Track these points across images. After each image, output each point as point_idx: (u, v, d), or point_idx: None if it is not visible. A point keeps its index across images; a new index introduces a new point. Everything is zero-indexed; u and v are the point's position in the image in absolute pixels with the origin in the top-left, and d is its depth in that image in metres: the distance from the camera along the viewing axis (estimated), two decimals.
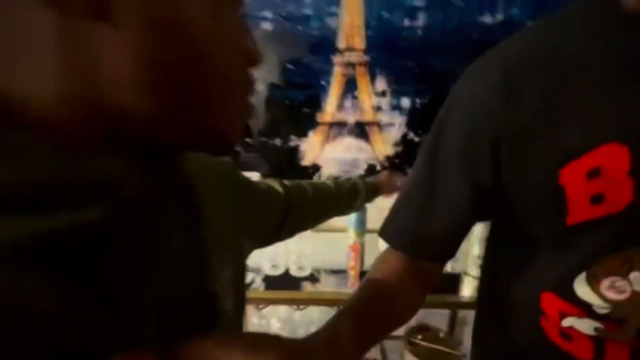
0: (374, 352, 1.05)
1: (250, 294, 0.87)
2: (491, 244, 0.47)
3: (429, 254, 0.40)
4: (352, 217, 0.97)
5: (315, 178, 1.11)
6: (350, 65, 1.00)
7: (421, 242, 0.39)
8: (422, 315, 1.23)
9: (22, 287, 0.15)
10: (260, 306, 0.99)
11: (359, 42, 0.97)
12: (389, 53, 0.98)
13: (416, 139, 1.06)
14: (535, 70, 0.31)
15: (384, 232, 0.43)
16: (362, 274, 0.94)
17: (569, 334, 0.36)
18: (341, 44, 0.98)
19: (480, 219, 0.43)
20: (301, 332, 1.14)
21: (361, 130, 1.05)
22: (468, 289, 0.82)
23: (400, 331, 1.04)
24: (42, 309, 0.16)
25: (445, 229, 0.39)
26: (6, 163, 0.15)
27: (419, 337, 1.02)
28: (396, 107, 1.02)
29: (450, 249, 0.41)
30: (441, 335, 1.02)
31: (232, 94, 0.21)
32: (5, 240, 0.15)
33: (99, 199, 0.17)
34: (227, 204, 0.32)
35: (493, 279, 0.45)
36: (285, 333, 1.13)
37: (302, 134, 1.07)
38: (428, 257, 0.41)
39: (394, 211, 0.43)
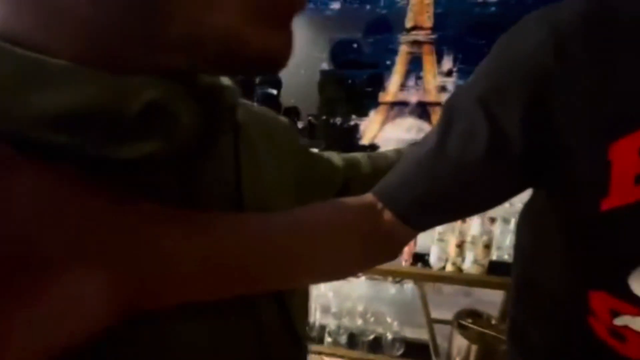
0: (423, 334, 1.07)
1: None
2: (525, 229, 0.41)
3: (415, 213, 0.34)
4: None
5: None
6: (417, 44, 0.98)
7: (415, 201, 0.34)
8: (473, 303, 1.22)
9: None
10: None
11: (427, 20, 0.95)
12: (458, 31, 0.95)
13: None
14: (591, 32, 0.28)
15: (376, 187, 0.37)
16: (415, 255, 0.96)
17: (623, 333, 0.33)
18: (409, 22, 0.97)
19: (490, 194, 0.36)
20: (348, 305, 1.20)
21: (423, 111, 1.04)
22: None
23: (450, 315, 1.04)
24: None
25: (446, 191, 0.33)
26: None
27: (469, 320, 1.02)
28: None
29: (440, 216, 0.35)
30: (492, 321, 1.01)
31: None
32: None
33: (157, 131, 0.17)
34: (286, 165, 0.30)
35: (528, 268, 0.40)
36: (336, 303, 1.19)
37: (363, 113, 1.09)
38: (410, 216, 0.34)
39: (397, 167, 0.37)
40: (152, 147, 0.16)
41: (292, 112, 1.14)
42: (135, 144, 0.16)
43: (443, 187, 0.33)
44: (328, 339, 1.12)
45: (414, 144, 0.36)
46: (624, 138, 0.27)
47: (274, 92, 1.16)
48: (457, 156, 0.32)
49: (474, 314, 1.04)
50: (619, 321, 0.31)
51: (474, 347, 0.95)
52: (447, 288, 1.25)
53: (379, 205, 0.34)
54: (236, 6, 0.15)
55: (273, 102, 1.17)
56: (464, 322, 1.01)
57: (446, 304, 1.12)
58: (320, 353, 1.08)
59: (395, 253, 0.37)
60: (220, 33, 0.16)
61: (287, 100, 1.17)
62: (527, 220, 0.40)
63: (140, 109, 0.15)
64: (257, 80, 1.14)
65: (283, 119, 0.34)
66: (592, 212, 0.29)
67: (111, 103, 0.15)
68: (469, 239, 0.88)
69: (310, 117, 1.13)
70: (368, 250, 0.34)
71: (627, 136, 0.27)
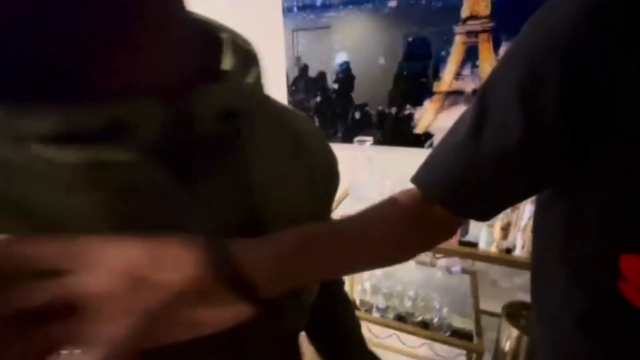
0: (468, 324, 1.07)
1: None
2: (545, 197, 0.40)
3: (464, 203, 0.35)
4: None
5: (427, 145, 1.17)
6: (473, 33, 1.00)
7: (458, 190, 0.35)
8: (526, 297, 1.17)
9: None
10: None
11: (484, 8, 0.96)
12: (516, 17, 0.94)
13: None
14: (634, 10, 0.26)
15: (417, 178, 0.39)
16: (464, 243, 0.97)
17: None
18: (464, 12, 0.99)
19: (528, 182, 0.35)
20: (399, 289, 1.25)
21: None
22: None
23: (495, 306, 1.03)
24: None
25: (484, 180, 0.34)
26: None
27: (522, 312, 1.00)
28: None
29: (484, 203, 0.36)
30: None
31: None
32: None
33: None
34: (301, 161, 0.31)
35: (550, 234, 0.40)
36: (387, 285, 1.25)
37: (418, 103, 1.13)
38: (464, 207, 0.36)
39: (433, 155, 0.39)
40: (120, 152, 0.19)
41: (361, 107, 1.25)
42: (109, 150, 0.19)
43: (481, 175, 0.33)
44: (376, 314, 1.20)
45: (450, 131, 0.38)
46: None
47: (332, 87, 1.27)
48: (493, 146, 0.32)
49: (526, 306, 1.01)
50: None
51: (524, 338, 0.93)
52: (502, 282, 1.22)
53: (422, 194, 0.37)
54: None
55: (342, 98, 1.28)
56: (512, 312, 0.99)
57: (499, 298, 1.10)
58: (368, 320, 1.16)
59: (446, 237, 0.40)
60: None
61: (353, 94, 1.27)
62: (558, 198, 0.39)
63: (105, 125, 0.18)
64: (334, 77, 1.26)
65: (304, 116, 0.37)
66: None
67: (82, 124, 0.18)
68: (522, 223, 0.87)
69: (367, 108, 1.22)
70: (420, 236, 0.38)
71: None
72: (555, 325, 0.41)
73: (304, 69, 1.28)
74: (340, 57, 1.21)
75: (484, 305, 1.13)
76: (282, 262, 0.25)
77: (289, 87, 1.35)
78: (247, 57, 0.26)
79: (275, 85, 1.38)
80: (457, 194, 0.35)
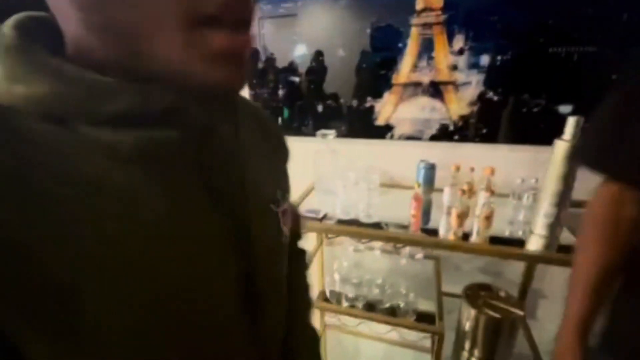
0: (433, 307, 1.12)
1: (323, 226, 1.03)
2: None
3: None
4: (421, 173, 1.03)
5: (388, 137, 1.18)
6: (428, 25, 1.01)
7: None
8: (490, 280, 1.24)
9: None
10: (330, 236, 1.16)
11: (437, 1, 0.97)
12: (468, 8, 0.96)
13: (494, 98, 1.03)
14: None
15: (600, 162, 0.47)
16: (426, 230, 1.01)
17: None
18: (419, 4, 1.00)
19: None
20: (367, 277, 1.28)
21: (436, 90, 1.07)
22: (534, 247, 0.82)
23: (459, 289, 1.08)
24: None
25: None
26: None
27: (480, 293, 1.05)
28: (474, 65, 1.00)
29: None
30: (501, 294, 1.04)
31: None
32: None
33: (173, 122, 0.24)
34: (275, 156, 0.40)
35: None
36: (352, 273, 1.28)
37: (378, 95, 1.14)
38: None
39: (607, 140, 0.47)
40: (170, 133, 0.24)
41: (333, 97, 1.24)
42: (160, 130, 0.23)
43: None
44: (346, 304, 1.23)
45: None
46: None
47: (296, 79, 1.26)
48: None
49: (484, 287, 1.07)
50: None
51: (482, 317, 0.99)
52: (463, 266, 1.28)
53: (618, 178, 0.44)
54: (180, 46, 0.21)
55: (296, 90, 1.27)
56: (472, 294, 1.05)
57: (461, 280, 1.16)
58: (339, 312, 1.19)
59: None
60: (167, 69, 0.22)
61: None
62: None
63: (163, 108, 0.23)
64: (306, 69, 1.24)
65: (268, 115, 0.43)
66: None
67: (142, 107, 0.22)
68: (477, 211, 0.91)
69: (329, 101, 1.21)
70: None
71: None
72: None
73: (270, 59, 1.25)
74: (300, 49, 1.19)
75: (447, 288, 1.18)
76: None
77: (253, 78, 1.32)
78: None
79: None
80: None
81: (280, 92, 1.28)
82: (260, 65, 1.26)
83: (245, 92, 1.34)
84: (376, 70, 1.11)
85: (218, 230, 0.28)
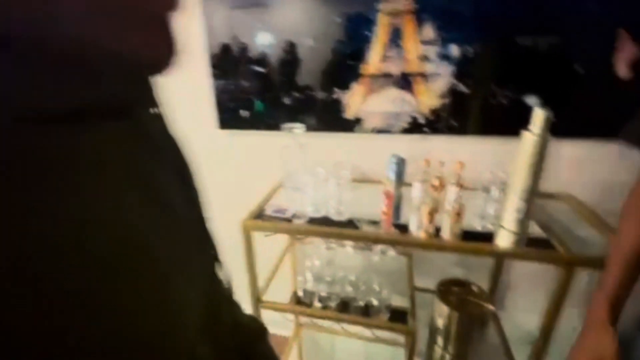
0: (404, 302, 1.11)
1: (292, 227, 0.98)
2: None
3: None
4: (391, 168, 1.00)
5: (357, 130, 1.14)
6: (396, 13, 0.97)
7: None
8: (463, 274, 1.24)
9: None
10: (298, 236, 1.11)
11: None
12: None
13: (464, 90, 1.00)
14: None
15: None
16: (397, 225, 0.98)
17: None
18: None
19: None
20: (340, 275, 1.25)
21: (406, 82, 1.04)
22: (504, 242, 0.81)
23: (432, 284, 1.07)
24: None
25: None
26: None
27: (452, 288, 1.04)
28: (444, 56, 0.98)
29: None
30: (474, 288, 1.03)
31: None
32: None
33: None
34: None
35: None
36: (325, 271, 1.24)
37: (345, 86, 1.09)
38: None
39: None
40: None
41: (301, 90, 1.17)
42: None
43: None
44: (318, 304, 1.19)
45: None
46: None
47: (262, 70, 1.19)
48: None
49: (457, 283, 1.06)
50: None
51: (454, 313, 0.98)
52: (436, 259, 1.27)
53: None
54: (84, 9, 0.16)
55: (261, 79, 1.20)
56: (445, 290, 1.03)
57: (434, 275, 1.15)
58: (312, 315, 1.15)
59: None
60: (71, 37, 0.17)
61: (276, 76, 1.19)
62: None
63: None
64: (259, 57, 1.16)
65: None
66: None
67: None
68: (447, 206, 0.89)
69: (297, 93, 1.15)
70: None
71: None
72: None
73: (242, 49, 1.16)
74: (266, 38, 1.12)
75: (420, 282, 1.17)
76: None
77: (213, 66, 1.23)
78: None
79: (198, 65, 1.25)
80: None
81: (252, 84, 1.20)
82: (232, 55, 1.18)
83: (210, 83, 1.26)
84: (345, 60, 1.06)
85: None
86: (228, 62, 1.20)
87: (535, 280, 1.21)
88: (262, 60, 1.16)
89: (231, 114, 1.27)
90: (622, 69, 0.88)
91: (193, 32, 1.20)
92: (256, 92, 1.21)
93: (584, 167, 1.02)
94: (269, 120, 1.23)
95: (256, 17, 1.11)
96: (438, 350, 1.05)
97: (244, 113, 1.25)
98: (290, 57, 1.12)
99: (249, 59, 1.17)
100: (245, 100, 1.23)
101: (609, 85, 0.90)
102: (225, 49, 1.18)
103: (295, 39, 1.10)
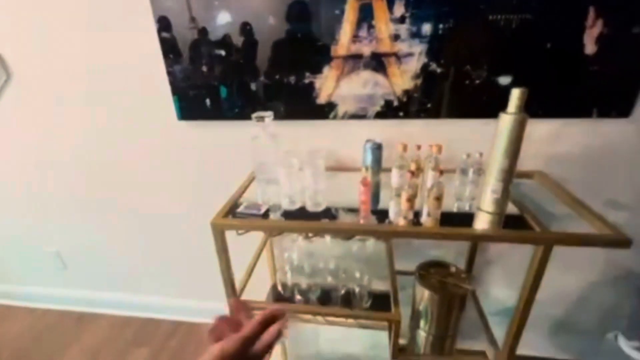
0: (385, 286, 1.11)
1: (267, 224, 0.93)
2: None
3: None
4: (368, 154, 0.96)
5: (331, 117, 1.09)
6: None
7: None
8: (442, 254, 1.25)
9: None
10: (274, 233, 1.07)
11: None
12: None
13: (438, 70, 0.98)
14: None
15: None
16: (377, 212, 0.96)
17: None
18: None
19: None
20: (320, 265, 1.23)
21: (378, 63, 0.99)
22: (482, 224, 0.81)
23: (412, 266, 1.08)
24: None
25: None
26: None
27: (431, 271, 1.05)
28: (416, 35, 0.94)
29: None
30: (452, 269, 1.04)
31: None
32: None
33: None
34: None
35: None
36: (304, 263, 1.21)
37: (317, 69, 1.03)
38: None
39: None
40: None
41: (267, 74, 1.09)
42: None
43: None
44: (299, 296, 1.16)
45: None
46: None
47: (222, 53, 1.09)
48: None
49: (436, 264, 1.07)
50: None
51: (435, 296, 0.98)
52: (414, 241, 1.28)
53: None
54: None
55: (225, 63, 1.11)
56: (424, 273, 1.04)
57: (414, 256, 1.15)
58: (290, 311, 1.13)
59: None
60: None
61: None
62: None
63: None
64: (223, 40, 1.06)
65: None
66: None
67: None
68: (425, 192, 0.88)
69: (262, 78, 1.07)
70: None
71: None
72: None
73: (202, 31, 1.05)
74: (229, 19, 1.02)
75: (400, 265, 1.17)
76: None
77: (167, 53, 1.12)
78: None
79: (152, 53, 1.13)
80: None
81: (213, 70, 1.10)
82: (188, 38, 1.07)
83: (164, 70, 1.15)
84: (313, 41, 0.99)
85: None
86: (184, 45, 1.09)
87: (511, 256, 1.25)
88: (222, 42, 1.06)
89: (191, 103, 1.17)
90: (590, 46, 0.89)
91: (140, 9, 1.07)
92: (218, 78, 1.12)
93: (557, 145, 1.04)
94: (235, 109, 1.15)
95: None
96: (420, 332, 1.06)
97: (206, 102, 1.16)
98: (253, 39, 1.04)
99: (208, 41, 1.07)
100: (207, 88, 1.13)
101: (578, 62, 0.91)
102: (180, 30, 1.07)
103: (257, 19, 1.01)
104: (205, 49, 1.08)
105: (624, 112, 0.96)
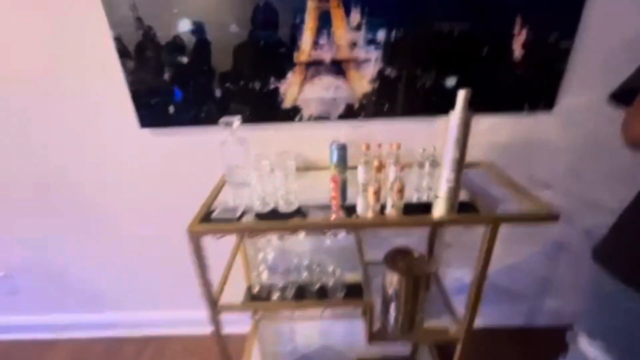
0: (357, 276, 1.18)
1: (242, 226, 0.96)
2: None
3: None
4: (334, 154, 1.03)
5: (297, 119, 1.14)
6: None
7: None
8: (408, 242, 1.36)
9: None
10: (251, 234, 1.09)
11: None
12: None
13: (392, 74, 1.07)
14: None
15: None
16: (345, 207, 1.02)
17: None
18: None
19: None
20: (295, 262, 1.27)
21: (338, 68, 1.06)
22: (439, 211, 0.91)
23: (380, 255, 1.16)
24: None
25: None
26: None
27: (398, 257, 1.14)
28: (371, 42, 1.02)
29: None
30: (416, 255, 1.15)
31: None
32: None
33: None
34: None
35: None
36: (279, 262, 1.25)
37: (281, 75, 1.07)
38: None
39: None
40: None
41: (232, 80, 1.09)
42: None
43: None
44: (276, 294, 1.20)
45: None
46: None
47: (184, 60, 1.09)
48: None
49: (400, 252, 1.16)
50: None
51: (402, 278, 1.07)
52: (381, 232, 1.37)
53: None
54: None
55: (186, 70, 1.11)
56: (392, 259, 1.13)
57: (383, 246, 1.24)
58: (266, 310, 1.15)
59: None
60: None
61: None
62: None
63: None
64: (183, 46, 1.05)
65: None
66: None
67: None
68: (388, 184, 0.96)
69: (227, 84, 1.09)
70: None
71: None
72: None
73: (149, 33, 1.03)
74: (184, 23, 1.02)
75: (369, 256, 1.25)
76: None
77: (126, 57, 1.09)
78: None
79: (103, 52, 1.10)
80: None
81: (173, 75, 1.09)
82: (136, 39, 1.05)
83: (122, 77, 1.11)
84: (276, 48, 1.03)
85: None
86: (141, 50, 1.07)
87: (466, 237, 1.39)
88: (179, 46, 1.06)
89: (151, 110, 1.15)
90: (517, 51, 1.03)
91: (93, 15, 1.03)
92: (178, 84, 1.11)
93: (497, 136, 1.18)
94: (199, 115, 1.15)
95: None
96: (392, 314, 1.15)
97: (167, 108, 1.15)
98: (203, 43, 1.05)
99: (168, 45, 1.06)
100: (167, 94, 1.12)
101: (509, 65, 1.05)
102: (138, 35, 1.05)
103: (216, 24, 1.02)
104: (163, 55, 1.07)
105: (548, 105, 1.12)
